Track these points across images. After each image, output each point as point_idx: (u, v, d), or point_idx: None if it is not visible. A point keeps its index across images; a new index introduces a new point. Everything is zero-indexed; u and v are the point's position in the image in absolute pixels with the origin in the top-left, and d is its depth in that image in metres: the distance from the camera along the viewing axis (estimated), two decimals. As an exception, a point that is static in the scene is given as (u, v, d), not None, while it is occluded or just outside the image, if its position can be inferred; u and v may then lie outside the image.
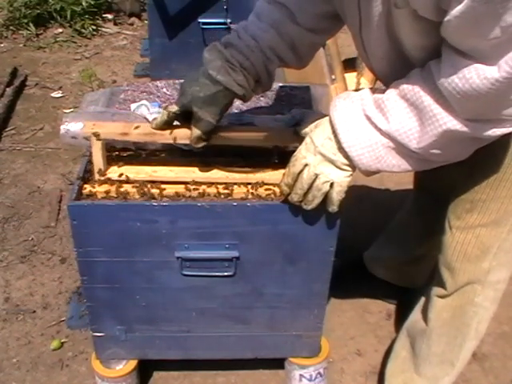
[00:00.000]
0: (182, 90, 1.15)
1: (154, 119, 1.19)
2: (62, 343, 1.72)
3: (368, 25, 0.99)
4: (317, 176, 1.05)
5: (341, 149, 1.02)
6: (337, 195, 1.07)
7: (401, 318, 1.51)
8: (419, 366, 1.43)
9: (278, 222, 1.20)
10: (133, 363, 1.49)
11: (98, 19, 3.84)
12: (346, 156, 1.02)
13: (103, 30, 3.79)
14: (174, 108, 1.15)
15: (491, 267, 1.23)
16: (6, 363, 1.67)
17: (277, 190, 1.20)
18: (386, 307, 1.87)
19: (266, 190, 1.21)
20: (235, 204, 1.18)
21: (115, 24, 3.87)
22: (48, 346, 1.71)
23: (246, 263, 1.27)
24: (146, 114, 1.30)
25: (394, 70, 1.04)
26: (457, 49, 0.86)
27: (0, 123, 2.71)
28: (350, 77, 2.83)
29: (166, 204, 1.18)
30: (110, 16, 3.91)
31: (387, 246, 1.80)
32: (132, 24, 3.89)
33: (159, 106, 1.44)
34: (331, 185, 1.06)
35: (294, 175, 1.07)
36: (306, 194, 1.08)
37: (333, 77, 2.62)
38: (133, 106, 1.42)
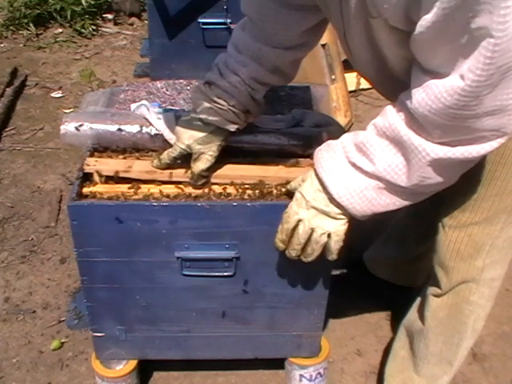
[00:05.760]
0: (178, 134, 1.22)
1: (155, 158, 1.25)
2: (62, 343, 1.72)
3: (350, 32, 0.99)
4: (313, 230, 1.06)
5: (332, 200, 1.02)
6: (335, 244, 1.08)
7: (401, 318, 1.51)
8: (418, 365, 1.44)
9: (277, 222, 1.19)
10: (133, 363, 1.49)
11: (98, 19, 3.85)
12: (339, 206, 1.02)
13: (103, 29, 3.80)
14: (175, 152, 1.23)
15: (485, 265, 1.23)
16: (5, 363, 1.67)
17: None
18: (386, 307, 1.87)
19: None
20: (235, 204, 1.18)
21: (115, 24, 3.87)
22: (48, 346, 1.71)
23: (245, 263, 1.27)
24: (145, 114, 1.30)
25: (379, 75, 1.05)
26: (424, 69, 0.85)
27: (0, 123, 2.71)
28: (350, 77, 2.84)
29: (166, 204, 1.18)
30: (110, 16, 3.92)
31: (387, 245, 1.80)
32: (132, 24, 3.90)
33: (159, 106, 1.45)
34: (328, 235, 1.06)
35: (287, 231, 1.08)
36: (303, 248, 1.09)
37: (333, 77, 2.62)
38: (133, 106, 1.42)
